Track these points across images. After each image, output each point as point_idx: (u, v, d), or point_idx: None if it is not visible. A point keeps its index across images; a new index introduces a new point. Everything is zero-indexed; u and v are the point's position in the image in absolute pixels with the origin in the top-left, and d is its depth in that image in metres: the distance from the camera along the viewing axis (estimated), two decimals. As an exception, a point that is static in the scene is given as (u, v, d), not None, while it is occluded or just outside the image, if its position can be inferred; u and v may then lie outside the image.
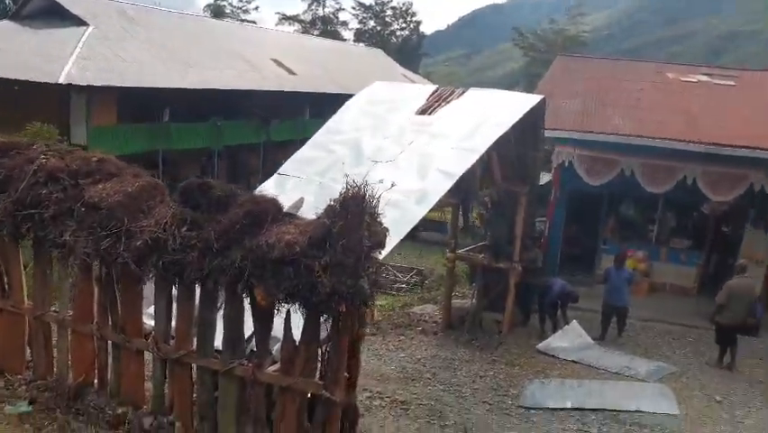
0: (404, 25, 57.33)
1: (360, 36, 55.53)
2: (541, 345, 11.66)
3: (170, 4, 34.16)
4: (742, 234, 14.13)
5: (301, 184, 7.56)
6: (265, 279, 5.03)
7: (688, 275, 14.93)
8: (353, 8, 56.75)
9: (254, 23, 47.64)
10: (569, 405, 9.41)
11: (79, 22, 22.58)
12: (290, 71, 28.86)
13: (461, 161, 7.61)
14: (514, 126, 10.05)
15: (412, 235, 19.73)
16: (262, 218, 5.27)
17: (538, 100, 9.16)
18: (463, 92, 9.25)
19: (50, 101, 19.86)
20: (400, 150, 7.91)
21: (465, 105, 8.90)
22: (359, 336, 6.19)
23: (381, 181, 6.73)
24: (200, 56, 25.44)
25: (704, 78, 18.58)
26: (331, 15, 56.06)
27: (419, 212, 6.97)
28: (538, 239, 14.16)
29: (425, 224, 15.81)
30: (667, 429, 8.72)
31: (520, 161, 11.14)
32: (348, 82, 29.03)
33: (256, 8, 59.21)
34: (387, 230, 5.22)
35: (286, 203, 6.77)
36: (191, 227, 5.36)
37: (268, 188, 7.43)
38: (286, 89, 26.87)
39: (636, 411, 9.21)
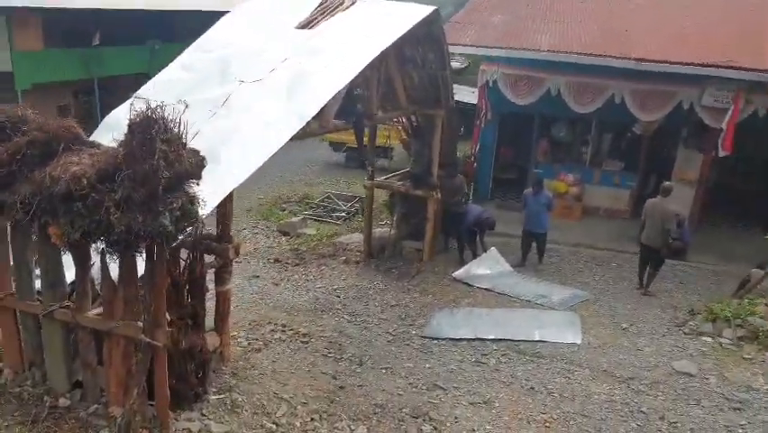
0: None
1: None
2: (457, 273, 11.37)
3: None
4: (674, 154, 13.72)
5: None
6: (57, 216, 4.42)
7: (621, 198, 14.62)
8: None
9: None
10: (470, 335, 9.17)
11: None
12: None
13: (335, 81, 6.92)
14: (410, 42, 9.36)
15: (361, 162, 19.12)
16: (53, 147, 4.59)
17: (429, 12, 8.35)
18: (352, 3, 8.41)
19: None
20: (271, 68, 7.17)
21: (351, 17, 8.12)
22: (201, 275, 5.72)
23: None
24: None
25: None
26: None
27: (284, 136, 6.36)
28: (463, 163, 13.60)
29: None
30: (565, 359, 8.55)
31: (430, 82, 10.42)
32: None
33: None
34: (202, 159, 4.60)
35: None
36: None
37: (118, 115, 6.70)
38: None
39: (539, 341, 9.01)
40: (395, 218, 12.54)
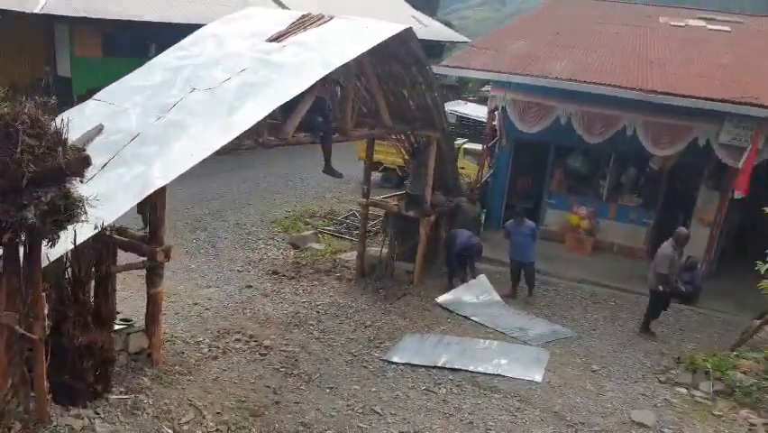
0: None
1: None
2: (441, 298, 11.11)
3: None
4: (696, 193, 12.95)
5: (107, 110, 7.08)
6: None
7: (637, 235, 13.90)
8: None
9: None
10: (429, 363, 8.90)
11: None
12: (282, 5, 27.88)
13: (282, 94, 6.96)
14: (391, 61, 9.31)
15: (398, 182, 18.97)
16: None
17: (399, 30, 8.28)
18: (329, 19, 8.46)
19: (38, 32, 19.90)
20: (227, 77, 7.29)
21: (322, 33, 8.15)
22: (107, 273, 5.81)
23: None
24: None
25: (699, 22, 16.99)
26: None
27: (216, 143, 6.44)
28: (468, 188, 13.32)
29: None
30: (519, 397, 8.16)
31: (420, 103, 10.32)
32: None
33: None
34: (85, 157, 4.71)
35: (84, 129, 6.39)
36: None
37: (70, 114, 6.96)
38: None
39: (498, 375, 8.64)
40: (387, 238, 12.40)
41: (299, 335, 9.85)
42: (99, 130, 6.66)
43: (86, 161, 4.77)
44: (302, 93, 7.55)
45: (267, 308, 10.90)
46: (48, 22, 19.46)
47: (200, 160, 6.32)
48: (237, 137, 6.96)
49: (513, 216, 11.45)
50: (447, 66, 12.85)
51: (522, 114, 12.46)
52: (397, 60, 9.44)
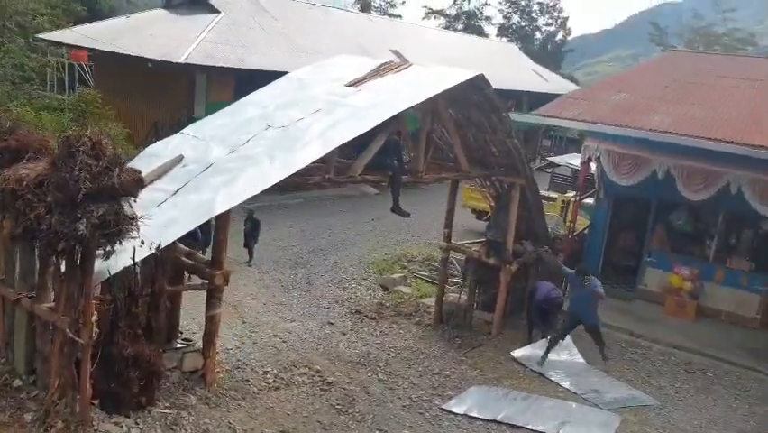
0: (550, 21, 54.54)
1: (503, 31, 53.98)
2: (516, 352, 10.71)
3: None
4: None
5: (191, 143, 7.75)
6: (10, 211, 5.29)
7: (749, 303, 12.60)
8: (500, 2, 55.30)
9: (400, 17, 48.28)
10: (489, 416, 8.57)
11: (213, 9, 24.74)
12: (405, 60, 28.98)
13: (346, 132, 7.28)
14: (468, 106, 9.40)
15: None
16: (21, 153, 5.52)
17: (470, 76, 8.37)
18: (407, 66, 8.77)
19: (181, 79, 22.31)
20: (300, 117, 7.76)
21: (397, 78, 8.47)
22: (160, 291, 6.26)
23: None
24: (318, 44, 26.51)
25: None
26: (475, 10, 54.97)
27: (276, 176, 6.84)
28: (555, 240, 12.82)
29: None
30: (575, 461, 7.60)
31: (501, 149, 10.26)
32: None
33: (403, 2, 59.79)
34: (139, 180, 5.22)
35: (167, 158, 7.05)
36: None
37: (157, 147, 7.74)
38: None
39: (556, 436, 8.13)
40: (468, 285, 12.22)
41: (364, 374, 9.89)
42: (179, 160, 7.31)
43: (140, 183, 5.28)
44: (373, 134, 7.87)
45: (341, 346, 11.07)
46: (190, 70, 21.65)
47: (258, 191, 6.71)
48: (304, 174, 7.36)
49: (578, 272, 10.76)
50: (539, 114, 12.71)
51: (616, 165, 11.97)
52: (476, 106, 9.51)
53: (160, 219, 6.49)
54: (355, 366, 10.19)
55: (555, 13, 54.83)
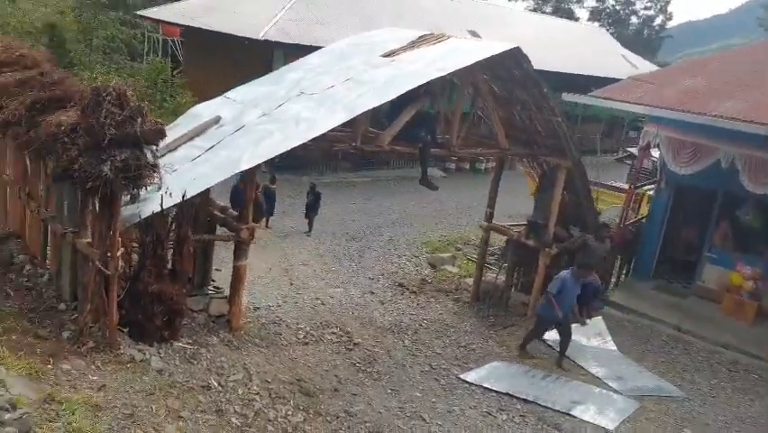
0: (649, 5, 51.62)
1: (595, 15, 51.68)
2: (547, 334, 10.62)
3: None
4: None
5: (230, 106, 8.29)
6: (51, 153, 5.96)
7: (814, 308, 11.85)
8: None
9: (487, -1, 47.33)
10: (504, 390, 8.68)
11: (294, -12, 25.49)
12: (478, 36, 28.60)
13: (370, 100, 7.55)
14: (509, 82, 9.39)
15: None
16: (65, 101, 6.17)
17: (503, 50, 8.35)
18: (446, 38, 8.90)
19: (261, 55, 23.27)
20: (332, 85, 8.10)
21: (433, 50, 8.61)
22: (185, 236, 6.83)
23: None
24: (395, 23, 26.69)
25: None
26: None
27: (298, 139, 7.23)
28: (607, 227, 12.48)
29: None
30: (582, 439, 7.60)
31: (548, 129, 10.16)
32: (548, 58, 27.83)
33: None
34: (161, 130, 5.75)
35: (207, 118, 7.65)
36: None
37: (203, 106, 8.34)
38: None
39: (569, 414, 8.13)
40: (506, 266, 12.22)
41: (391, 340, 10.22)
42: (216, 120, 7.85)
43: (161, 133, 5.82)
44: (404, 104, 8.10)
45: (375, 313, 11.44)
46: (268, 47, 22.53)
47: (281, 152, 7.13)
48: (332, 140, 7.71)
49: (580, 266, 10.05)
50: (596, 96, 12.38)
51: (676, 153, 11.51)
52: (518, 83, 9.49)
53: (193, 173, 7.08)
54: (384, 332, 10.53)
55: (655, -4, 52.14)
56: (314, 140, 7.31)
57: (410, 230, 17.15)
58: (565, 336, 9.75)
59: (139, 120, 5.64)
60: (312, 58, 9.32)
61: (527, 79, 9.31)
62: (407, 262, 14.90)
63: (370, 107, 7.50)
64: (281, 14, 23.24)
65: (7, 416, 4.41)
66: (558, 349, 10.04)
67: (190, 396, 6.28)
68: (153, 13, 24.65)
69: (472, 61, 8.15)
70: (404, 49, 8.80)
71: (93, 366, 6.05)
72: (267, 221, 15.56)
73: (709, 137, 11.21)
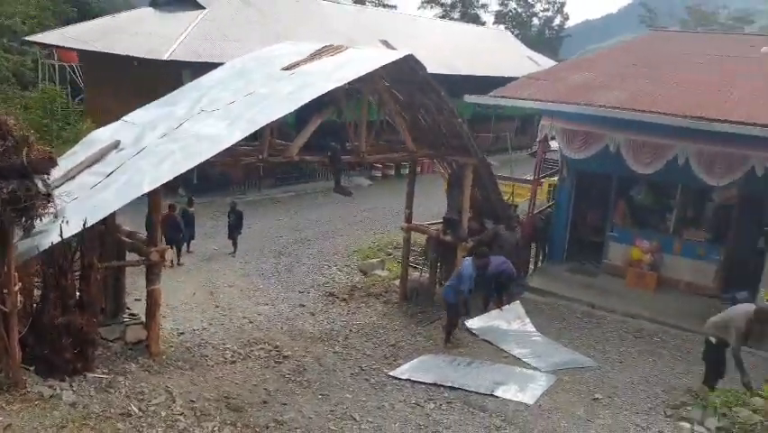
0: (546, 6, 54.58)
1: (500, 19, 54.03)
2: (470, 322, 11.10)
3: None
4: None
5: (129, 129, 8.26)
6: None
7: (706, 272, 12.86)
8: None
9: (395, 7, 48.54)
10: (431, 380, 9.01)
11: (198, 6, 25.18)
12: (390, 46, 29.21)
13: (272, 113, 7.72)
14: (409, 87, 9.79)
15: None
16: None
17: (395, 58, 8.77)
18: (344, 50, 9.19)
19: (168, 76, 22.80)
20: (232, 101, 8.22)
21: (331, 61, 8.87)
22: (89, 265, 6.76)
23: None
24: (305, 36, 26.80)
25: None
26: None
27: (205, 152, 7.31)
28: (516, 217, 13.17)
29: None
30: (503, 417, 8.04)
31: (450, 129, 10.63)
32: (457, 62, 28.74)
33: None
34: (50, 159, 5.72)
35: (106, 143, 7.55)
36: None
37: (98, 133, 8.27)
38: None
39: (491, 395, 8.55)
40: (428, 263, 12.63)
41: (321, 348, 10.36)
42: (115, 145, 7.82)
43: (51, 162, 5.79)
44: (309, 115, 8.32)
45: (306, 325, 11.53)
46: (175, 67, 22.18)
47: (184, 171, 7.19)
48: (238, 155, 7.81)
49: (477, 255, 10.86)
50: (493, 96, 13.03)
51: (569, 141, 12.29)
52: (418, 88, 9.91)
53: (94, 200, 7.02)
54: (315, 341, 10.66)
55: (552, -1, 54.91)
56: (219, 155, 7.40)
57: (340, 240, 17.31)
58: (452, 314, 10.41)
59: (25, 150, 5.59)
60: (211, 75, 9.41)
61: (425, 85, 9.75)
62: (338, 272, 15.01)
63: (273, 119, 7.68)
64: (187, 33, 22.90)
65: None
66: (481, 337, 10.53)
67: (108, 425, 6.22)
68: (42, 37, 23.57)
69: (369, 70, 8.48)
70: (304, 61, 9.03)
71: (-3, 408, 5.89)
72: (188, 245, 15.37)
73: (596, 125, 12.05)
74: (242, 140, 7.59)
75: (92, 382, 6.86)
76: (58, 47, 24.62)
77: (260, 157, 8.28)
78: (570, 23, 59.42)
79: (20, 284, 6.09)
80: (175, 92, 9.24)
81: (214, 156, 7.31)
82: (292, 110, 7.83)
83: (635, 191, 13.49)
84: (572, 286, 13.35)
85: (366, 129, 9.58)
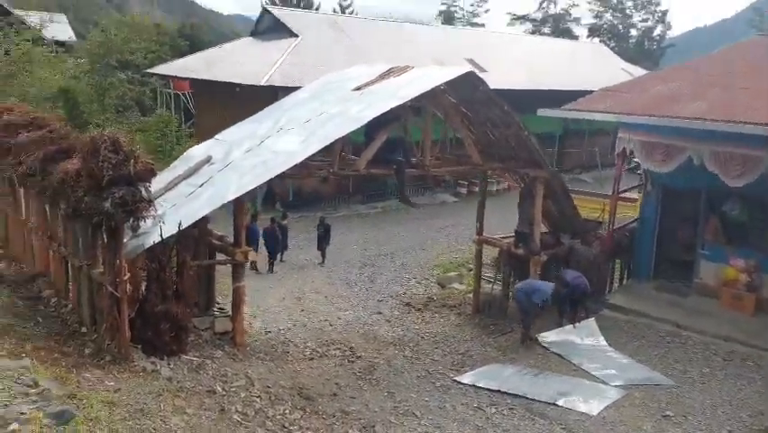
0: (646, 16, 52.20)
1: (594, 32, 52.35)
2: (542, 336, 11.10)
3: (407, 10, 36.93)
4: None
5: (220, 146, 9.20)
6: (62, 197, 6.90)
7: (811, 295, 12.06)
8: (589, 1, 53.80)
9: (483, 26, 48.55)
10: (495, 387, 9.17)
11: (292, 34, 26.88)
12: (482, 69, 29.45)
13: (340, 130, 8.37)
14: (473, 103, 10.15)
15: None
16: (70, 151, 7.14)
17: (455, 75, 9.16)
18: (409, 69, 9.74)
19: (266, 99, 24.47)
20: (307, 119, 8.96)
21: (397, 81, 9.42)
22: (183, 262, 7.67)
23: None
24: (393, 58, 27.74)
25: None
26: (563, 11, 53.92)
27: (282, 165, 8.07)
28: (594, 232, 12.98)
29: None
30: (564, 425, 8.07)
31: (519, 143, 10.85)
32: (548, 78, 28.58)
33: (486, 11, 59.61)
34: (151, 169, 6.65)
35: (200, 159, 8.57)
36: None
37: (197, 148, 9.28)
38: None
39: (554, 404, 8.59)
40: (501, 276, 12.77)
41: (392, 351, 10.81)
42: (208, 160, 8.75)
43: (152, 172, 6.78)
44: (376, 132, 8.94)
45: (381, 330, 12.05)
46: (272, 91, 23.73)
47: (263, 182, 7.97)
48: (308, 168, 8.54)
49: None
50: (567, 109, 13.03)
51: (649, 154, 12.07)
52: (481, 103, 10.25)
53: (188, 207, 7.96)
54: (387, 345, 11.13)
55: (652, 8, 52.62)
56: (294, 168, 8.12)
57: (422, 254, 17.76)
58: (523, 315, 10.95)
59: (132, 162, 6.55)
60: (291, 97, 10.25)
61: (488, 100, 10.07)
62: (417, 284, 15.43)
63: (341, 135, 8.32)
64: (282, 59, 24.42)
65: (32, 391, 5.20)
66: (552, 350, 10.57)
67: (196, 398, 7.02)
68: (160, 69, 26.22)
69: (428, 88, 8.97)
70: (372, 82, 9.65)
71: (110, 375, 6.87)
72: (282, 255, 16.45)
73: (676, 137, 11.73)
74: (316, 154, 8.29)
75: (185, 363, 7.75)
76: (173, 77, 27.17)
77: (331, 170, 8.94)
78: (676, 32, 56.77)
79: (129, 274, 7.08)
80: (260, 112, 10.15)
81: (290, 169, 8.04)
82: (358, 126, 8.45)
83: (729, 207, 12.86)
84: (659, 305, 12.85)
85: (431, 143, 10.01)
